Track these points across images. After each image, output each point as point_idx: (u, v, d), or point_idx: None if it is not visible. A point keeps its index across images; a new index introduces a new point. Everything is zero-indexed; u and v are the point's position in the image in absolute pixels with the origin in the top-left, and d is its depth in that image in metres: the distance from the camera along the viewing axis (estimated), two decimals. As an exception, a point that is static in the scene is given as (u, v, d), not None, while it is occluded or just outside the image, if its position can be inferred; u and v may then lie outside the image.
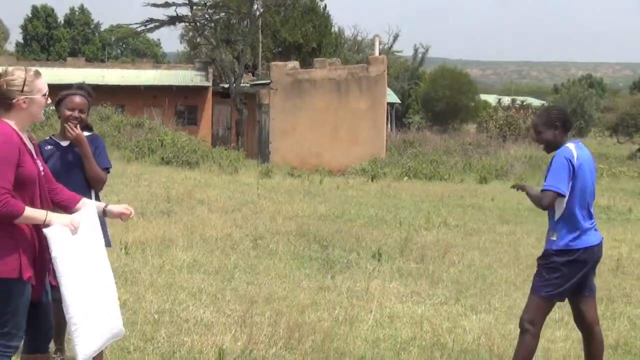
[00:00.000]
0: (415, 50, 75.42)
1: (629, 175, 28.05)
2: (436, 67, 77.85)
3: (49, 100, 4.41)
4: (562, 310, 8.10)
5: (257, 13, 42.97)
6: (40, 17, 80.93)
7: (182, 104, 43.62)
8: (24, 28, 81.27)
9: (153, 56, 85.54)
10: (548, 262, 5.49)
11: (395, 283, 9.11)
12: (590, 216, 5.54)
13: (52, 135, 5.65)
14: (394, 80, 62.41)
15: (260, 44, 45.69)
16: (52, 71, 39.72)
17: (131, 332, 6.45)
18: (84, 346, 4.27)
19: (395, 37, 69.84)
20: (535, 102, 56.33)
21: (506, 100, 54.61)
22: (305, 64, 35.50)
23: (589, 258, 5.50)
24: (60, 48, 79.14)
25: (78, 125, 5.37)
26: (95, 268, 4.39)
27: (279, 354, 6.12)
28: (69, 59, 49.23)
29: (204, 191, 17.47)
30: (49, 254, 4.22)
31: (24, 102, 4.19)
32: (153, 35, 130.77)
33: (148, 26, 44.57)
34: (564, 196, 5.34)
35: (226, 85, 42.77)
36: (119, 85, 41.35)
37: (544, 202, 5.37)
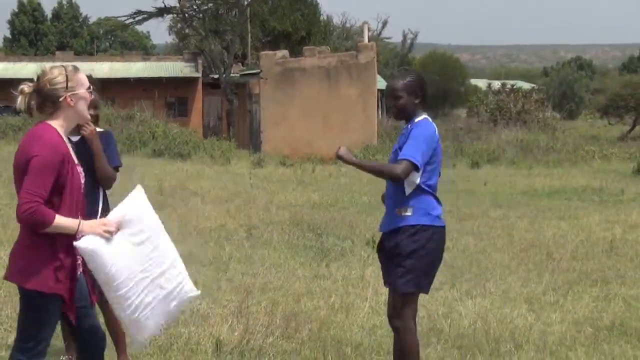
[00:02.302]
0: (404, 36, 75.33)
1: (620, 157, 28.10)
2: (425, 52, 77.83)
3: (93, 95, 4.22)
4: (556, 293, 8.14)
5: (245, 2, 42.83)
6: (27, 12, 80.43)
7: (172, 95, 43.53)
8: (11, 23, 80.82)
9: (142, 48, 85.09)
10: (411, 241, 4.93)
11: (390, 270, 9.11)
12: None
13: None
14: (384, 67, 62.34)
15: (249, 34, 45.57)
16: (41, 66, 39.25)
17: (128, 325, 6.45)
18: (135, 335, 4.29)
19: (384, 24, 69.84)
20: (526, 86, 56.23)
21: (496, 84, 54.51)
22: (295, 52, 35.41)
23: (443, 241, 5.12)
24: (48, 42, 78.74)
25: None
26: (144, 259, 4.22)
27: (276, 343, 6.12)
28: (57, 52, 48.98)
29: (196, 182, 17.46)
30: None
31: (71, 99, 3.98)
32: (142, 28, 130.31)
33: (136, 18, 44.37)
34: (418, 169, 4.87)
35: (216, 76, 42.69)
36: (108, 78, 41.20)
37: (397, 170, 4.82)
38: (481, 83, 69.73)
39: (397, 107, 5.06)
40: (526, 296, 8.00)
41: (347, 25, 66.41)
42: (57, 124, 3.99)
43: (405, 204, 4.96)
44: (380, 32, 68.97)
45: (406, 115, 5.05)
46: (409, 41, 75.10)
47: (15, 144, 28.19)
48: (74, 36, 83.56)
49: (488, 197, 16.55)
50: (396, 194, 5.01)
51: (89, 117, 4.24)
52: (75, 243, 3.95)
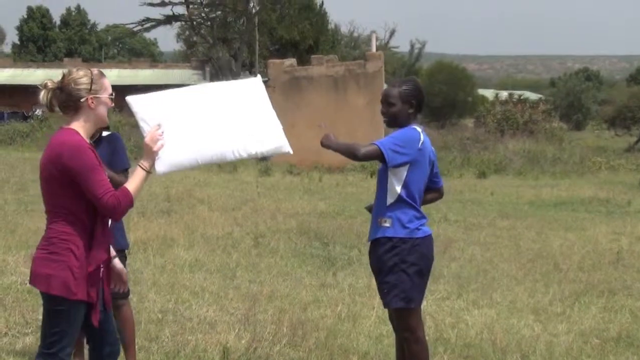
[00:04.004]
0: (412, 46, 75.31)
1: (627, 168, 28.07)
2: (433, 62, 77.75)
3: (113, 104, 4.23)
4: (563, 304, 8.14)
5: (254, 11, 42.99)
6: (36, 18, 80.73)
7: (180, 103, 43.60)
8: (20, 29, 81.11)
9: (150, 55, 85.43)
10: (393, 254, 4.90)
11: (396, 279, 9.12)
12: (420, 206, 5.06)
13: None
14: (391, 76, 62.42)
15: (257, 42, 45.69)
16: (49, 72, 39.61)
17: (135, 332, 6.46)
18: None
19: (392, 33, 69.80)
20: (533, 96, 56.29)
21: (503, 94, 54.49)
22: (303, 61, 35.49)
23: (428, 251, 5.02)
24: (56, 49, 78.99)
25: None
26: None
27: (283, 351, 6.14)
28: (65, 59, 49.17)
29: (203, 190, 17.48)
30: (105, 266, 4.13)
31: (92, 101, 4.01)
32: (150, 35, 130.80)
33: (145, 26, 44.61)
34: (385, 161, 4.86)
35: (223, 84, 42.80)
36: (116, 85, 41.13)
37: (359, 150, 4.92)
38: (488, 93, 69.71)
39: (389, 114, 5.07)
40: (533, 307, 8.00)
41: (355, 34, 66.53)
42: (79, 126, 4.01)
43: (385, 214, 4.95)
44: (388, 42, 69.00)
45: (398, 124, 5.04)
46: (416, 51, 75.11)
47: (23, 150, 28.27)
48: (82, 43, 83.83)
49: (495, 207, 16.53)
50: (379, 203, 5.03)
51: (107, 122, 4.25)
52: (158, 175, 4.21)
